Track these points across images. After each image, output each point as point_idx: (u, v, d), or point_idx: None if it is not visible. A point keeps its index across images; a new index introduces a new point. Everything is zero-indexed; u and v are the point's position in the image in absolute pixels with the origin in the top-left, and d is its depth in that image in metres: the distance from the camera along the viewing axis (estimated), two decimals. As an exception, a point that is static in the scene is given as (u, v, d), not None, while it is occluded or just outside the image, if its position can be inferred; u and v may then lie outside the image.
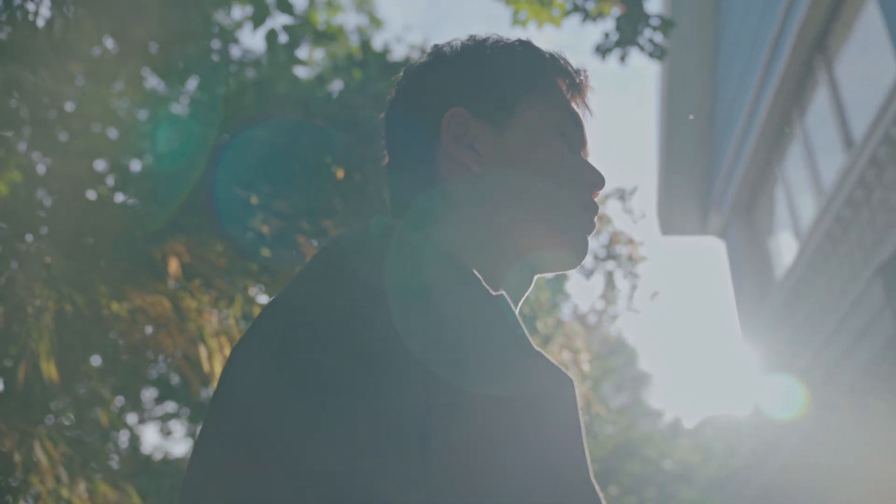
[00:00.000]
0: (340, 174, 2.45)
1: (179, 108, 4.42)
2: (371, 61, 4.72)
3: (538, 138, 1.01)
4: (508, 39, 1.08)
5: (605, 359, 11.46)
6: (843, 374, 5.10)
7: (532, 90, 1.03)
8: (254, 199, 2.31)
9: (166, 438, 11.01)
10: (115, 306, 2.13)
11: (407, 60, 9.51)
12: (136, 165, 3.28)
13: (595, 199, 1.05)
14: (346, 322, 0.75)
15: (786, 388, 6.49)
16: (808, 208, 7.50)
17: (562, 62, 1.07)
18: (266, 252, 2.31)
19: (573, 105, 1.06)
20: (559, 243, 1.01)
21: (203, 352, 2.13)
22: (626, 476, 10.95)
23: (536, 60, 1.06)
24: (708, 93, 9.94)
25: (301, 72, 6.27)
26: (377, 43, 9.72)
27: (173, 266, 2.26)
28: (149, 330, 2.05)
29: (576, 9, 4.60)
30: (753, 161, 8.37)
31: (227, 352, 2.15)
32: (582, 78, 1.08)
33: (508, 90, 1.03)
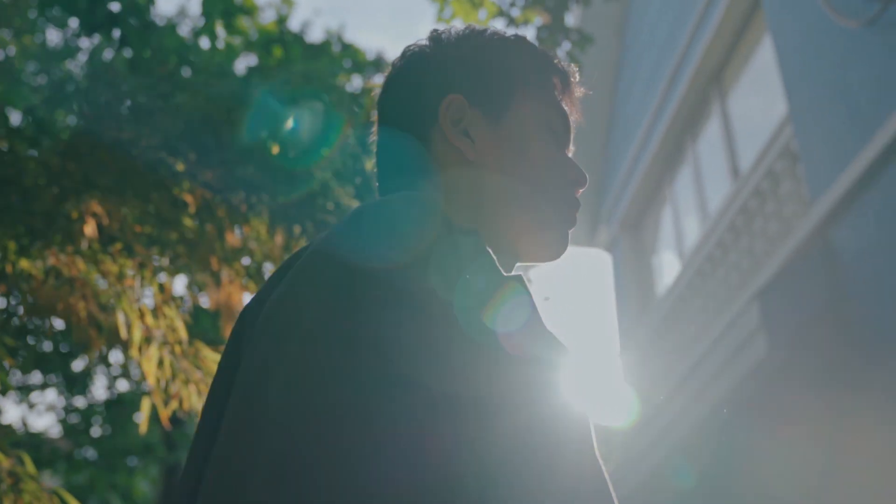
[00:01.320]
0: (276, 149, 2.41)
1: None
2: (289, 41, 4.65)
3: (530, 132, 1.05)
4: (506, 33, 1.11)
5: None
6: (714, 391, 5.39)
7: (528, 85, 1.07)
8: (180, 167, 2.24)
9: (31, 411, 10.46)
10: (24, 263, 2.03)
11: (326, 43, 9.40)
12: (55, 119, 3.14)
13: (577, 197, 1.10)
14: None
15: (627, 399, 6.83)
16: (692, 231, 7.89)
17: (556, 61, 1.11)
18: (188, 222, 2.25)
19: (563, 104, 1.10)
20: (542, 236, 1.05)
21: (121, 318, 2.06)
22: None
23: (534, 56, 1.10)
24: (607, 110, 10.29)
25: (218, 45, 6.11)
26: (293, 24, 9.59)
27: (90, 227, 2.17)
28: (64, 292, 1.96)
29: (501, 13, 4.68)
30: (645, 180, 8.72)
31: (148, 320, 2.09)
32: (573, 79, 1.12)
33: (506, 83, 1.06)
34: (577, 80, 1.13)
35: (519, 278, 0.88)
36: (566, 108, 1.10)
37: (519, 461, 0.73)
